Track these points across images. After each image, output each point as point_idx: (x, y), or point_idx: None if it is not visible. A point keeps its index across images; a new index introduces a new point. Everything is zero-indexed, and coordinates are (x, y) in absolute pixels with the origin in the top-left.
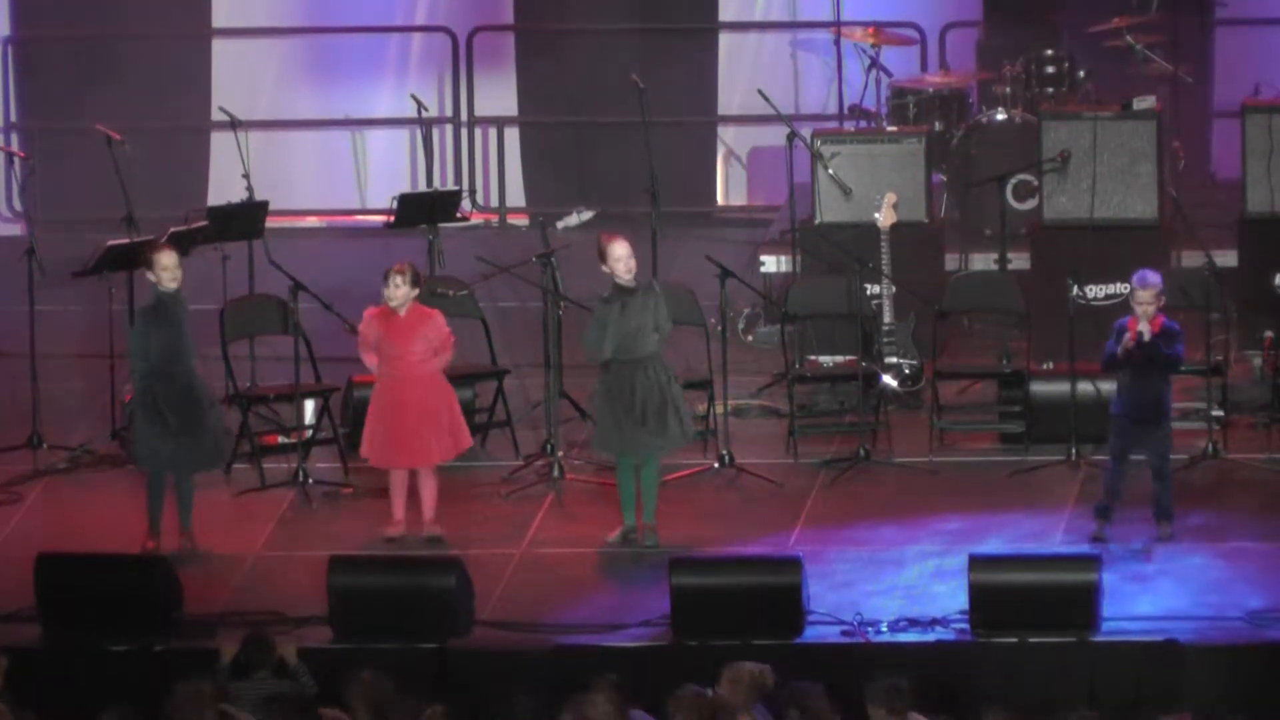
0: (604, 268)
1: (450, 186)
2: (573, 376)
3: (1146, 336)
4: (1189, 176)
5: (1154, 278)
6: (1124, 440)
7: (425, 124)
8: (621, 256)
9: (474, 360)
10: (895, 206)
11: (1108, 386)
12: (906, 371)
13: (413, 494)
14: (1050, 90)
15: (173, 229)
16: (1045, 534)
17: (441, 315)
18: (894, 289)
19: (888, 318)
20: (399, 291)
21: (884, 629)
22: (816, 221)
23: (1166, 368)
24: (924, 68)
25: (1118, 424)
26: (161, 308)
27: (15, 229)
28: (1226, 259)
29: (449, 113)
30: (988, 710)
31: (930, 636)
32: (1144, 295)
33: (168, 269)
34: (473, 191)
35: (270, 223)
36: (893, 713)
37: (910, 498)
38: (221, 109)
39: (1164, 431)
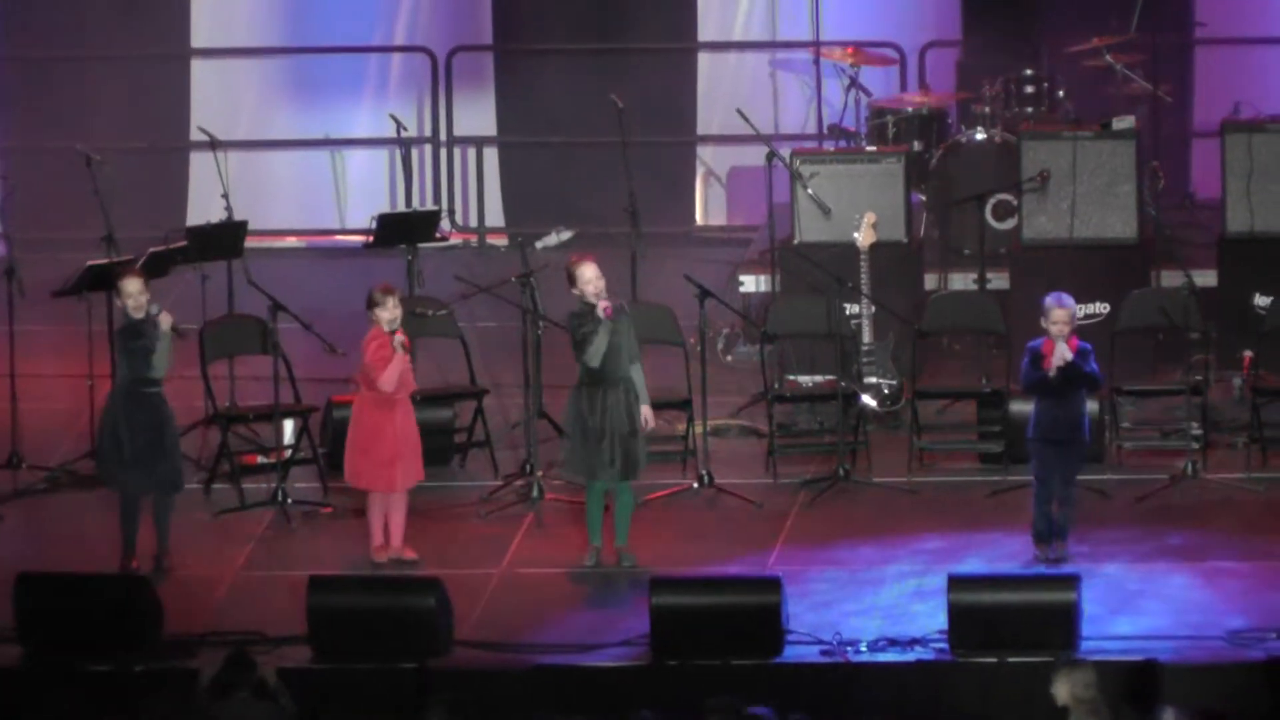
0: (574, 290)
1: (429, 206)
2: (552, 396)
3: (1069, 357)
4: (1168, 196)
5: (1069, 299)
6: (1044, 461)
7: (404, 144)
8: (591, 278)
9: (453, 380)
10: (875, 226)
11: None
12: (886, 391)
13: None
14: (1030, 110)
15: (152, 249)
16: (1024, 554)
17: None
18: (873, 309)
19: (867, 337)
20: (399, 313)
21: (863, 649)
22: (796, 241)
23: (1090, 387)
24: (903, 87)
25: (1035, 447)
26: (130, 331)
27: None
28: (1206, 278)
29: (428, 133)
30: None
31: (910, 656)
32: (1062, 315)
33: (131, 295)
34: (451, 211)
35: (249, 243)
36: None
37: (889, 517)
38: (201, 129)
39: (1078, 452)
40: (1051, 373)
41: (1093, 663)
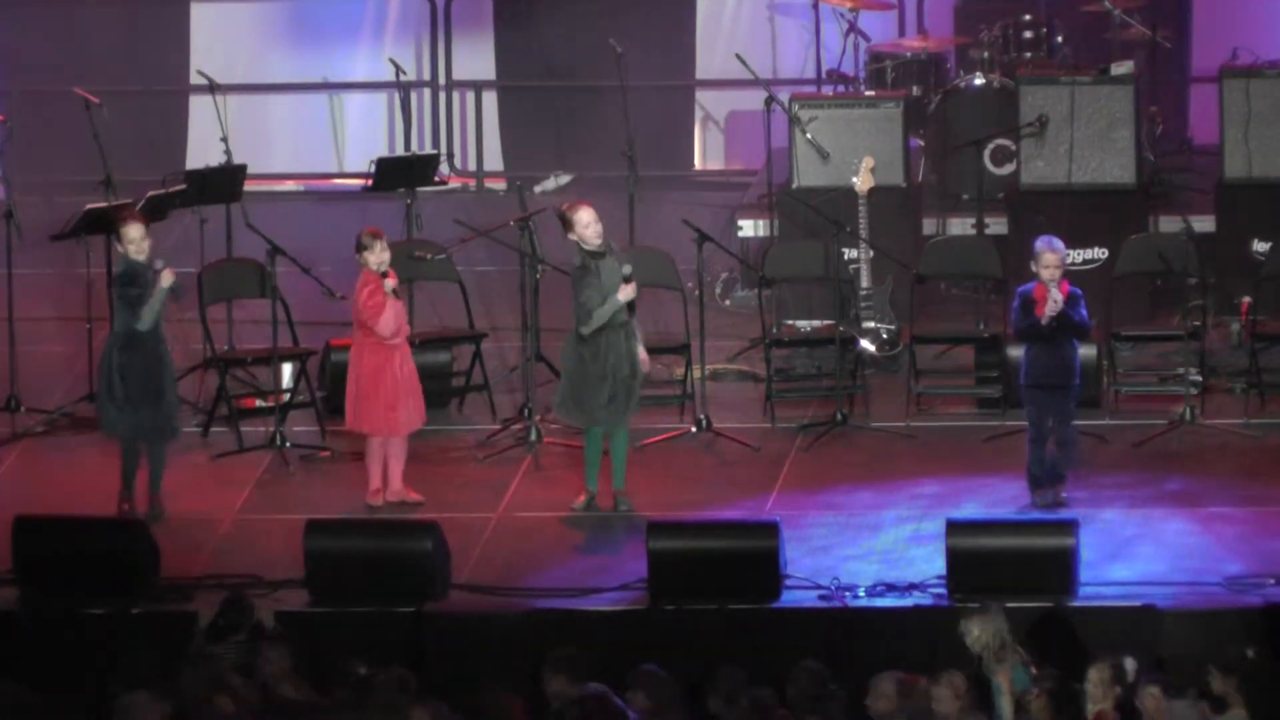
0: (570, 236)
1: (428, 150)
2: (550, 340)
3: (1061, 303)
4: (1166, 141)
5: (1059, 243)
6: (1039, 408)
7: (403, 88)
8: (589, 222)
9: (451, 324)
10: (873, 171)
11: (1085, 351)
12: (884, 336)
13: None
14: (1028, 55)
15: (151, 192)
16: (1022, 499)
17: None
18: (871, 253)
19: (865, 282)
20: (387, 255)
21: (861, 593)
22: (794, 185)
23: (1077, 334)
24: (902, 32)
25: (1028, 393)
26: (126, 277)
27: None
28: (1204, 224)
29: (427, 76)
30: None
31: (907, 601)
32: (1053, 259)
33: (134, 241)
34: (450, 155)
35: (248, 186)
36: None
37: (887, 462)
38: (200, 72)
39: (1072, 396)
40: (1044, 320)
41: (1001, 607)
